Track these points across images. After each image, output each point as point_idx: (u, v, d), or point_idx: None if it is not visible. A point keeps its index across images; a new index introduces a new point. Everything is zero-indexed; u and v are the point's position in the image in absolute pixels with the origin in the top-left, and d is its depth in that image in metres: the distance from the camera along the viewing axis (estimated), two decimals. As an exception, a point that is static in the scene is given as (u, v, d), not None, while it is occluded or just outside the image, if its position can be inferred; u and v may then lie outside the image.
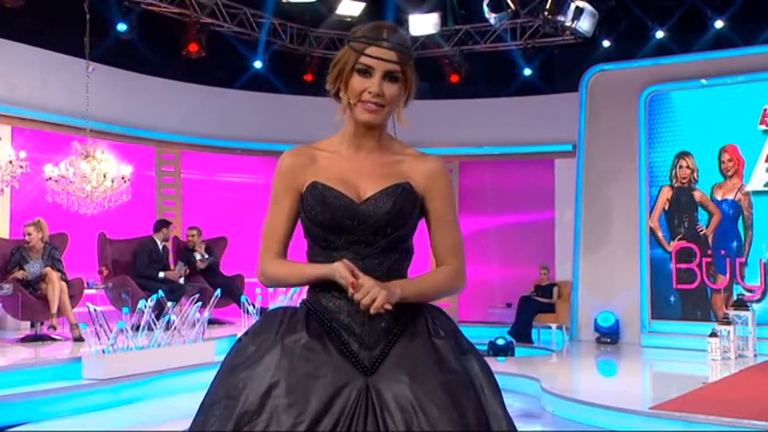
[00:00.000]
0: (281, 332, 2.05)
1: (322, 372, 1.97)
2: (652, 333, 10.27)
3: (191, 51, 11.24)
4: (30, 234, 8.66)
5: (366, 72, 2.09)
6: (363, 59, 2.09)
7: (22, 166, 8.74)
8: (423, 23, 11.31)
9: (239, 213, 11.65)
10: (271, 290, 7.95)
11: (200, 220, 11.20)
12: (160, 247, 10.06)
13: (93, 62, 9.61)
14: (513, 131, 11.99)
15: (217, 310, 9.31)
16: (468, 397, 1.99)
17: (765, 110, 9.78)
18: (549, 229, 12.00)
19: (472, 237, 11.73)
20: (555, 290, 10.98)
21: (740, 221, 9.96)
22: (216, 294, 8.41)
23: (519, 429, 2.12)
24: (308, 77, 12.55)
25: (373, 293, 1.97)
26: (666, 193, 10.47)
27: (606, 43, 11.54)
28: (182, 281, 9.99)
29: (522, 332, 10.61)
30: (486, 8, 10.21)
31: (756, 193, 9.84)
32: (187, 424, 2.12)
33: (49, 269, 8.55)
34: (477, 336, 8.51)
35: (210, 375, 2.13)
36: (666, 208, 10.48)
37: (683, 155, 10.39)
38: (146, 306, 7.27)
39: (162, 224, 10.22)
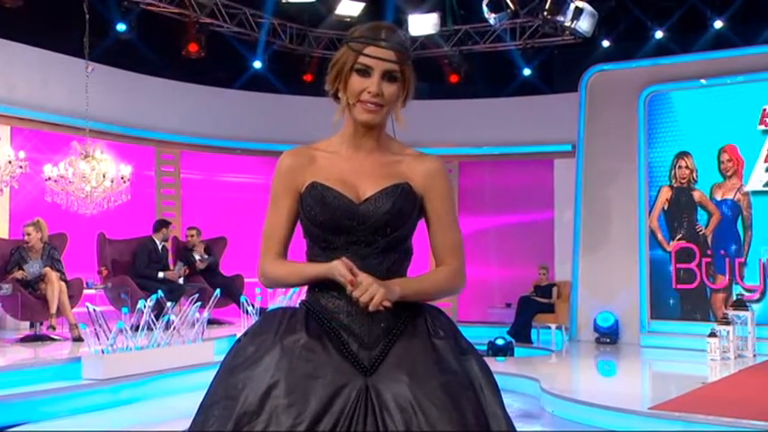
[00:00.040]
0: (280, 333, 2.05)
1: (321, 372, 1.97)
2: (651, 333, 10.27)
3: (190, 51, 11.24)
4: (29, 234, 8.66)
5: (365, 72, 2.09)
6: (362, 59, 2.09)
7: (21, 167, 8.74)
8: (422, 23, 11.31)
9: (239, 213, 11.65)
10: (270, 290, 7.95)
11: (199, 220, 11.20)
12: (159, 248, 10.06)
13: (92, 62, 9.61)
14: (513, 131, 11.99)
15: (216, 311, 9.31)
16: (467, 397, 1.99)
17: (765, 110, 9.78)
18: (548, 230, 12.00)
19: (472, 237, 11.73)
20: (554, 290, 10.98)
21: (739, 221, 9.96)
22: (215, 294, 8.41)
23: (518, 429, 2.12)
24: (308, 77, 12.55)
25: (372, 291, 1.97)
26: (666, 194, 10.47)
27: (606, 43, 11.54)
28: (181, 281, 9.99)
29: (521, 332, 10.61)
30: (485, 8, 10.21)
31: (756, 193, 9.85)
32: (187, 424, 2.12)
33: (48, 269, 8.55)
34: (477, 336, 8.53)
35: (210, 375, 2.13)
36: (666, 208, 10.48)
37: (682, 155, 10.39)
38: (145, 306, 7.27)
39: (161, 224, 10.22)
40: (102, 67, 10.09)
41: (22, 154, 8.81)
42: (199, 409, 2.06)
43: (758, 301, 9.63)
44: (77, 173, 9.09)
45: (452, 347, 2.08)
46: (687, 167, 10.35)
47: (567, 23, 10.34)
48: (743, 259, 9.85)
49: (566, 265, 11.29)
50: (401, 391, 1.95)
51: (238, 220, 11.49)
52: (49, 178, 9.10)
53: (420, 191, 2.17)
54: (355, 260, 2.05)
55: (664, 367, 9.36)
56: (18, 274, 8.51)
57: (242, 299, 8.81)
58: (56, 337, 8.48)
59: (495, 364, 8.18)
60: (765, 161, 9.79)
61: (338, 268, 2.02)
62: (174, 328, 7.65)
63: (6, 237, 9.44)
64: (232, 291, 9.77)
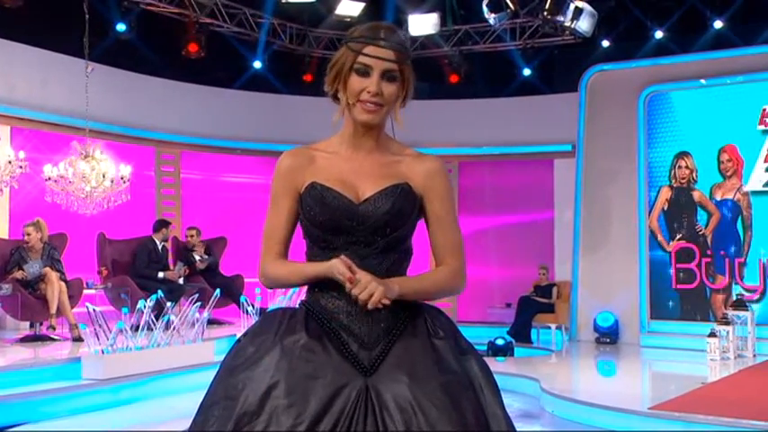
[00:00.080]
0: (280, 333, 2.05)
1: (321, 372, 1.97)
2: (651, 333, 10.27)
3: (190, 51, 11.24)
4: (29, 234, 8.66)
5: (364, 72, 2.09)
6: (361, 59, 2.09)
7: (21, 167, 8.73)
8: (422, 23, 11.31)
9: (239, 213, 11.65)
10: (270, 290, 7.95)
11: (199, 220, 11.21)
12: (159, 248, 10.06)
13: (92, 62, 9.61)
14: (513, 131, 11.99)
15: (216, 311, 9.31)
16: (467, 397, 1.99)
17: (764, 110, 9.78)
18: (548, 230, 12.00)
19: (472, 237, 11.73)
20: (554, 290, 10.98)
21: (739, 222, 9.96)
22: (215, 294, 8.41)
23: (518, 429, 2.12)
24: (308, 77, 12.55)
25: (371, 288, 1.98)
26: (666, 194, 10.48)
27: (606, 43, 11.55)
28: (181, 281, 9.99)
29: (521, 332, 10.61)
30: (485, 8, 10.21)
31: (755, 193, 9.85)
32: (187, 424, 2.13)
33: (48, 269, 8.55)
34: (477, 336, 8.52)
35: (210, 375, 2.13)
36: (666, 208, 10.48)
37: (682, 155, 10.39)
38: (145, 306, 7.27)
39: (161, 224, 10.22)
40: (102, 67, 10.09)
41: (22, 154, 8.81)
42: (199, 410, 2.06)
43: (758, 301, 9.64)
44: (77, 173, 9.09)
45: (452, 347, 2.08)
46: (687, 167, 10.35)
47: (567, 23, 10.34)
48: (743, 259, 9.85)
49: (566, 265, 11.29)
50: (401, 392, 1.95)
51: (238, 220, 11.49)
52: (49, 178, 9.10)
53: (420, 191, 2.17)
54: (355, 260, 2.05)
55: (664, 367, 9.36)
56: (18, 275, 8.51)
57: (242, 299, 8.81)
58: (56, 338, 8.48)
59: (495, 364, 8.18)
60: (765, 161, 9.79)
61: (337, 266, 2.02)
62: (174, 329, 7.65)
63: (6, 237, 9.44)
64: (232, 291, 9.77)
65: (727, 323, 8.85)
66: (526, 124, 11.88)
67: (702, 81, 10.30)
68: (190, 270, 10.27)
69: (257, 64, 12.25)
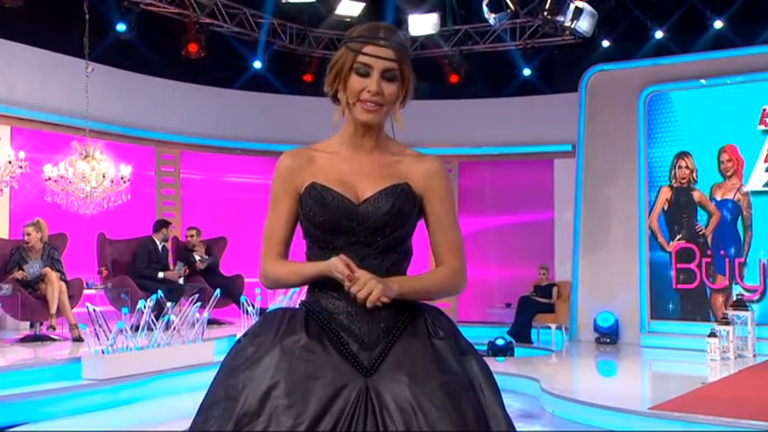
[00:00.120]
0: (280, 333, 2.05)
1: (321, 373, 1.97)
2: (651, 333, 10.27)
3: (190, 51, 11.24)
4: (29, 234, 8.66)
5: (364, 72, 2.09)
6: (361, 58, 2.09)
7: (21, 167, 8.73)
8: (422, 24, 11.31)
9: (239, 213, 11.65)
10: (270, 291, 7.95)
11: (199, 220, 11.21)
12: (159, 248, 10.06)
13: (92, 62, 9.61)
14: (513, 131, 11.99)
15: (216, 311, 9.31)
16: (467, 398, 1.99)
17: (764, 110, 9.78)
18: (548, 230, 12.00)
19: (472, 237, 11.73)
20: (554, 290, 10.97)
21: (739, 222, 9.96)
22: (215, 294, 8.41)
23: (518, 430, 2.12)
24: (308, 78, 12.56)
25: (370, 286, 1.98)
26: (666, 194, 10.47)
27: (606, 43, 11.55)
28: (181, 281, 9.99)
29: (521, 332, 10.61)
30: (485, 8, 10.21)
31: (755, 193, 9.85)
32: (187, 424, 2.13)
33: (48, 269, 8.55)
34: (477, 336, 8.53)
35: (210, 376, 2.13)
36: (666, 208, 10.48)
37: (682, 155, 10.39)
38: (145, 306, 7.27)
39: (161, 224, 10.21)
40: (102, 67, 10.09)
41: (22, 154, 8.81)
42: (199, 410, 2.06)
43: (758, 301, 9.64)
44: (77, 173, 9.09)
45: (452, 348, 2.08)
46: (687, 167, 10.35)
47: (567, 23, 10.34)
48: (743, 259, 9.85)
49: (566, 265, 11.29)
50: (401, 392, 1.95)
51: (238, 220, 11.49)
52: (49, 178, 9.10)
53: (420, 191, 2.17)
54: (355, 260, 2.05)
55: (664, 367, 9.36)
56: (18, 275, 8.51)
57: (242, 299, 8.81)
58: (56, 338, 8.48)
59: (495, 365, 8.18)
60: (765, 161, 9.79)
61: (336, 264, 2.02)
62: (174, 329, 7.65)
63: (6, 237, 9.44)
64: (232, 291, 9.77)
65: (728, 323, 8.85)
66: (526, 124, 11.88)
67: (702, 81, 10.30)
68: (190, 270, 10.27)
69: (257, 64, 12.25)
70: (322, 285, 2.11)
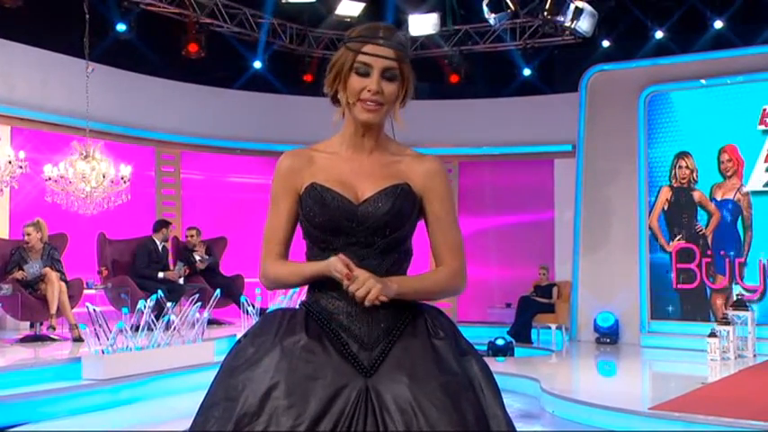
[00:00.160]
0: (280, 334, 2.05)
1: (321, 373, 1.97)
2: (651, 333, 10.27)
3: (190, 51, 11.24)
4: (29, 234, 8.65)
5: (364, 71, 2.09)
6: (361, 57, 2.09)
7: (21, 167, 8.73)
8: (422, 24, 11.31)
9: (239, 213, 11.65)
10: (271, 291, 7.95)
11: (199, 220, 11.20)
12: (160, 248, 10.06)
13: (92, 62, 9.60)
14: (513, 131, 11.99)
15: (216, 311, 9.31)
16: (467, 398, 1.99)
17: (764, 110, 9.78)
18: (548, 230, 12.00)
19: (472, 237, 11.73)
20: (554, 290, 10.97)
21: (739, 222, 9.96)
22: (215, 295, 8.42)
23: (519, 430, 2.12)
24: (308, 78, 12.56)
25: (368, 285, 1.98)
26: (666, 194, 10.47)
27: (606, 43, 11.55)
28: (181, 281, 9.99)
29: (521, 332, 10.61)
30: (485, 8, 10.21)
31: (755, 193, 9.85)
32: (187, 424, 2.13)
33: (48, 269, 8.55)
34: (477, 336, 8.53)
35: (210, 376, 2.13)
36: (666, 208, 10.48)
37: (682, 155, 10.39)
38: (145, 306, 7.27)
39: (161, 224, 10.21)
40: (102, 67, 10.09)
41: (22, 154, 8.81)
42: (199, 410, 2.06)
43: (758, 301, 9.63)
44: (77, 173, 9.09)
45: (452, 348, 2.07)
46: (687, 167, 10.35)
47: (567, 23, 10.34)
48: (743, 259, 9.85)
49: (566, 265, 11.29)
50: (401, 392, 1.95)
51: (238, 220, 11.49)
52: (50, 178, 9.10)
53: (419, 191, 2.17)
54: (354, 261, 2.05)
55: (664, 367, 9.36)
56: (18, 275, 8.51)
57: (242, 299, 8.82)
58: (56, 338, 8.48)
59: (496, 365, 8.18)
60: (765, 161, 9.79)
61: (335, 264, 2.02)
62: (175, 329, 7.65)
63: (6, 237, 9.44)
64: (232, 291, 9.77)
65: (728, 323, 8.85)
66: (526, 124, 11.88)
67: (702, 81, 10.30)
68: (190, 270, 10.27)
69: (257, 64, 12.26)
70: (322, 286, 2.11)
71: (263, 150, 11.65)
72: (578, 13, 10.21)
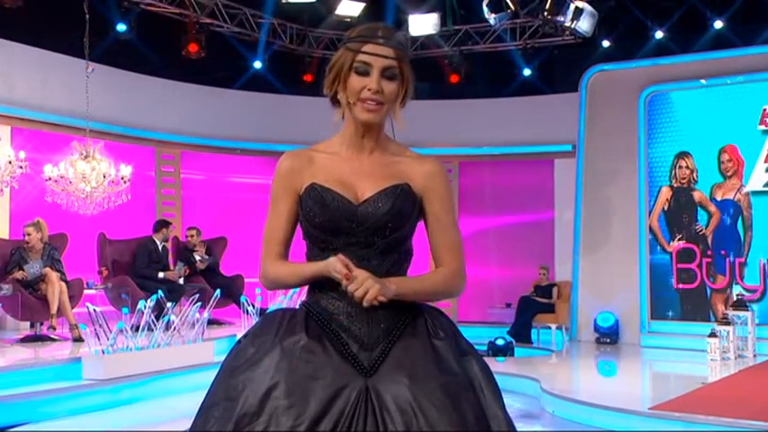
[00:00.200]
0: (280, 334, 2.05)
1: (321, 373, 1.97)
2: (651, 333, 10.27)
3: (190, 51, 11.24)
4: (29, 234, 8.65)
5: (364, 71, 2.10)
6: (361, 57, 2.09)
7: (21, 167, 8.73)
8: (422, 24, 11.31)
9: (239, 213, 11.65)
10: (271, 291, 7.95)
11: (199, 220, 11.21)
12: (160, 248, 10.06)
13: (92, 62, 9.60)
14: (513, 131, 11.99)
15: (216, 311, 9.31)
16: (467, 398, 1.99)
17: (765, 110, 9.78)
18: (548, 230, 12.00)
19: (472, 237, 11.74)
20: (554, 290, 10.97)
21: (740, 222, 9.96)
22: (215, 295, 8.42)
23: (519, 430, 2.12)
24: (308, 78, 12.56)
25: (367, 285, 1.98)
26: (666, 194, 10.47)
27: (606, 43, 11.55)
28: (181, 281, 9.99)
29: (521, 332, 10.61)
30: (485, 8, 10.21)
31: (756, 193, 9.85)
32: (187, 424, 2.13)
33: (48, 269, 8.55)
34: (477, 336, 8.53)
35: (210, 376, 2.14)
36: (666, 208, 10.48)
37: (682, 155, 10.39)
38: (145, 306, 7.27)
39: (161, 224, 10.21)
40: (102, 67, 10.09)
41: (22, 154, 8.81)
42: (199, 411, 2.06)
43: (758, 301, 9.63)
44: (78, 173, 9.09)
45: (452, 348, 2.07)
46: (687, 167, 10.35)
47: (567, 23, 10.34)
48: (743, 259, 9.85)
49: (566, 266, 11.29)
50: (401, 393, 1.95)
51: (238, 220, 11.49)
52: (50, 178, 9.10)
53: (419, 192, 2.17)
54: (354, 261, 2.05)
55: (664, 367, 9.36)
56: (18, 275, 8.51)
57: (242, 299, 8.82)
58: (56, 338, 8.48)
59: (496, 365, 8.18)
60: (765, 161, 9.79)
61: (334, 264, 2.03)
62: (175, 329, 7.64)
63: (6, 237, 9.44)
64: (232, 291, 9.77)
65: (728, 323, 8.85)
66: (526, 124, 11.88)
67: (703, 81, 10.30)
68: (190, 270, 10.27)
69: (257, 64, 12.26)
70: (322, 286, 2.11)
71: (263, 150, 11.66)
72: (578, 13, 10.21)
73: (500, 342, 9.63)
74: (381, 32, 2.11)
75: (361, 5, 11.06)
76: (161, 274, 9.81)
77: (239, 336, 2.15)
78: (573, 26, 10.35)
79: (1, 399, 6.25)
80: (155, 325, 7.43)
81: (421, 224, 2.21)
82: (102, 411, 6.64)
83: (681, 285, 10.25)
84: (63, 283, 8.52)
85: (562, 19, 10.31)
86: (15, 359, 7.71)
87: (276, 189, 2.20)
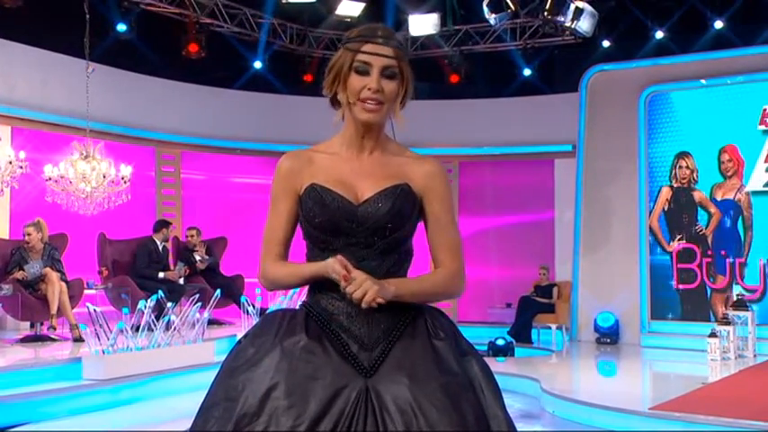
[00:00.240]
0: (280, 334, 2.05)
1: (321, 373, 1.97)
2: (652, 333, 10.27)
3: (190, 51, 11.24)
4: (29, 234, 8.65)
5: (364, 70, 2.10)
6: (360, 56, 2.10)
7: (21, 167, 8.73)
8: (422, 24, 11.32)
9: (239, 213, 11.65)
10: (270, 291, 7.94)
11: (199, 220, 11.21)
12: (160, 248, 10.06)
13: (92, 62, 9.60)
14: (513, 131, 11.99)
15: (216, 311, 9.31)
16: (467, 398, 1.99)
17: (765, 110, 9.78)
18: (548, 230, 12.00)
19: (472, 237, 11.74)
20: (555, 290, 10.97)
21: (740, 222, 9.96)
22: (215, 295, 8.41)
23: (519, 430, 2.12)
24: (308, 78, 12.56)
25: (365, 287, 1.98)
26: (666, 194, 10.47)
27: (606, 43, 11.56)
28: (181, 281, 9.99)
29: (521, 332, 10.60)
30: (485, 8, 10.21)
31: (756, 193, 9.85)
32: (187, 424, 2.13)
33: (48, 269, 8.55)
34: (477, 336, 8.53)
35: (210, 376, 2.14)
36: (666, 208, 10.48)
37: (682, 155, 10.39)
38: (145, 306, 7.27)
39: (162, 224, 10.21)
40: (102, 67, 10.09)
41: (22, 154, 8.81)
42: (199, 411, 2.06)
43: (758, 301, 9.63)
44: (78, 173, 9.09)
45: (452, 348, 2.07)
46: (687, 167, 10.35)
47: (568, 24, 10.35)
48: (743, 259, 9.85)
49: (566, 266, 11.29)
50: (401, 393, 1.95)
51: (238, 220, 11.49)
52: (50, 178, 9.10)
53: (420, 192, 2.17)
54: (354, 261, 2.05)
55: (664, 367, 9.36)
56: (18, 275, 8.51)
57: (242, 299, 8.81)
58: (56, 338, 8.47)
59: (496, 365, 8.18)
60: (766, 161, 9.78)
61: (332, 265, 2.02)
62: (175, 329, 7.64)
63: (7, 237, 9.44)
64: (232, 291, 9.77)
65: (728, 323, 8.85)
66: (526, 124, 11.88)
67: (703, 81, 10.30)
68: (190, 270, 10.27)
69: (257, 64, 12.26)
70: (322, 286, 2.11)
71: (263, 150, 11.65)
72: (578, 13, 10.22)
73: (500, 342, 9.63)
74: (381, 32, 2.12)
75: (361, 5, 11.06)
76: (161, 274, 9.81)
77: (239, 336, 2.15)
78: (573, 26, 10.36)
79: (1, 399, 6.25)
80: (155, 325, 7.43)
81: (421, 224, 2.21)
82: (103, 411, 6.64)
83: (681, 285, 10.25)
84: (63, 283, 8.52)
85: (562, 19, 10.31)
86: (15, 359, 7.71)
87: (276, 189, 2.20)
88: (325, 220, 2.10)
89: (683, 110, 10.46)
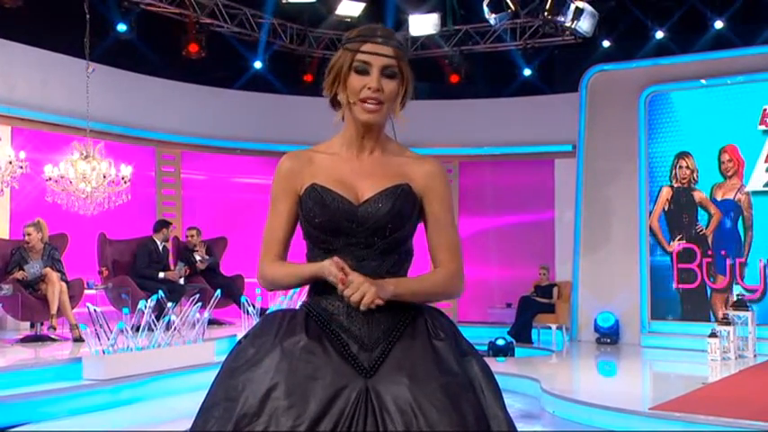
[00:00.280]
0: (280, 335, 2.05)
1: (321, 374, 1.97)
2: (652, 333, 10.27)
3: (190, 51, 11.25)
4: (29, 234, 8.65)
5: (364, 70, 2.10)
6: (360, 56, 2.10)
7: (21, 167, 8.73)
8: (422, 24, 11.32)
9: (239, 213, 11.65)
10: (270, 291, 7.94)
11: (199, 220, 11.21)
12: (160, 248, 10.06)
13: (92, 62, 9.60)
14: (513, 131, 11.99)
15: (216, 311, 9.31)
16: (467, 399, 1.99)
17: (765, 110, 9.78)
18: (548, 230, 12.00)
19: (472, 237, 11.74)
20: (555, 290, 10.97)
21: (740, 222, 9.96)
22: (216, 295, 8.41)
23: (519, 430, 2.12)
24: (308, 78, 12.56)
25: (363, 289, 1.97)
26: (666, 194, 10.47)
27: (606, 43, 11.56)
28: (182, 281, 9.99)
29: (521, 332, 10.60)
30: (485, 8, 10.21)
31: (756, 193, 9.85)
32: (187, 424, 2.13)
33: (48, 269, 8.55)
34: (477, 336, 8.53)
35: (210, 376, 2.14)
36: (666, 208, 10.48)
37: (682, 155, 10.39)
38: (146, 306, 7.27)
39: (162, 224, 10.21)
40: (102, 67, 10.08)
41: (22, 154, 8.81)
42: (199, 411, 2.06)
43: (758, 301, 9.63)
44: (78, 173, 9.09)
45: (453, 349, 2.07)
46: (687, 167, 10.35)
47: (568, 24, 10.35)
48: (743, 259, 9.85)
49: (566, 266, 11.29)
50: (401, 393, 1.95)
51: (238, 220, 11.49)
52: (50, 178, 9.10)
53: (420, 192, 2.17)
54: (354, 262, 2.05)
55: (664, 367, 9.36)
56: (18, 275, 8.51)
57: (242, 299, 8.81)
58: (56, 338, 8.47)
59: (496, 365, 8.17)
60: (766, 161, 9.78)
61: (329, 268, 2.02)
62: (175, 329, 7.64)
63: (7, 237, 9.44)
64: (232, 291, 9.77)
65: (728, 323, 8.85)
66: (526, 124, 11.88)
67: (703, 81, 10.30)
68: (190, 270, 10.27)
69: (257, 64, 12.26)
70: (323, 286, 2.10)
71: (264, 150, 11.65)
72: (578, 13, 10.22)
73: (500, 342, 9.63)
74: (380, 32, 2.12)
75: (361, 5, 11.06)
76: (161, 275, 9.81)
77: (239, 336, 2.15)
78: (573, 26, 10.36)
79: (1, 399, 6.25)
80: (155, 325, 7.43)
81: (421, 224, 2.21)
82: (103, 411, 6.64)
83: (681, 285, 10.25)
84: (63, 283, 8.52)
85: (562, 19, 10.31)
86: (15, 359, 7.71)
87: (276, 190, 2.20)
88: (325, 221, 2.10)
89: (683, 110, 10.46)
